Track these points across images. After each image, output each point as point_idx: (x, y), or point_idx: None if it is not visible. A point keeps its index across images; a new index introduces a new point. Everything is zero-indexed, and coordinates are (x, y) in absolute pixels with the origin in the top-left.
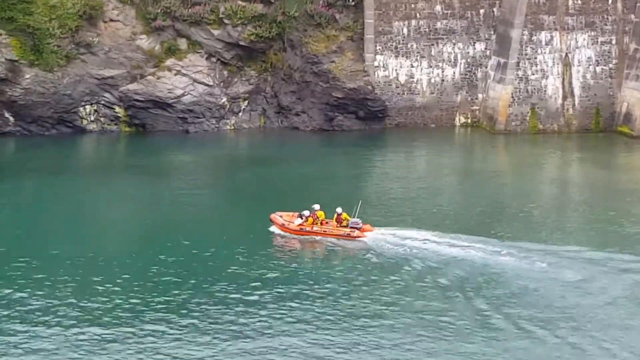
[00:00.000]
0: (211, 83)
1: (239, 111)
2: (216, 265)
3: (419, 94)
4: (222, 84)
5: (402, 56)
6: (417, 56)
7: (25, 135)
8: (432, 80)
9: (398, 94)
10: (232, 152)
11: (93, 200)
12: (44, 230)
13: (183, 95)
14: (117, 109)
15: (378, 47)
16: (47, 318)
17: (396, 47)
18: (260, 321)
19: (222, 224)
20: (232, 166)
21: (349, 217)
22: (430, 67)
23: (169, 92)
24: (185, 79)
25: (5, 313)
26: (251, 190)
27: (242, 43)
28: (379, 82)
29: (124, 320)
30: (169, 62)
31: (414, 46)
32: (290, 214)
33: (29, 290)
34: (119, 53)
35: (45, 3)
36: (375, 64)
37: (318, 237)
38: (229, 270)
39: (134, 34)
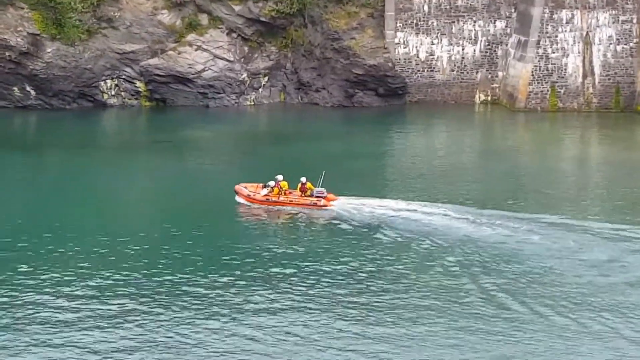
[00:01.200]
0: (232, 58)
1: (259, 87)
2: (230, 241)
3: (439, 71)
4: (242, 59)
5: (423, 33)
6: (437, 33)
7: (47, 109)
8: (453, 58)
9: (418, 71)
10: (252, 128)
11: (112, 174)
12: (62, 203)
13: (203, 70)
14: (138, 84)
15: (398, 24)
16: (61, 291)
17: (417, 24)
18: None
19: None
20: (252, 142)
21: (313, 187)
22: (451, 44)
23: (190, 67)
24: (206, 55)
25: (24, 288)
26: (270, 166)
27: (262, 19)
28: (399, 59)
29: (138, 294)
30: (190, 37)
31: (435, 23)
32: (255, 184)
33: (45, 265)
34: (140, 28)
35: None
36: (396, 41)
37: (284, 207)
38: (241, 246)
39: (156, 8)
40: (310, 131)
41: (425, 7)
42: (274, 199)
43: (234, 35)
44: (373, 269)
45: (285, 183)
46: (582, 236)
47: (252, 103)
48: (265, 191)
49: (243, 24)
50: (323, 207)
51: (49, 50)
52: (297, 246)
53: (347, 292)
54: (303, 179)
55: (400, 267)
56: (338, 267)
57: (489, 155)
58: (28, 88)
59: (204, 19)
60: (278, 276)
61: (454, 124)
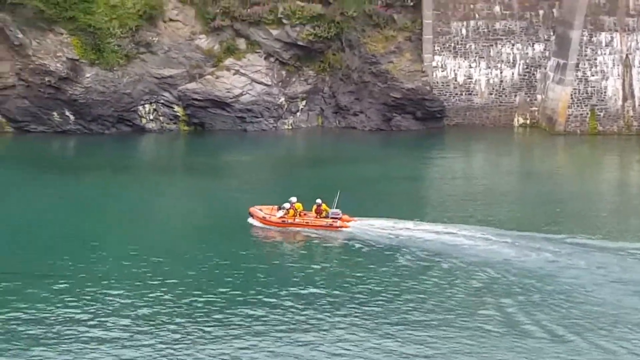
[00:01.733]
0: (269, 83)
1: (297, 111)
2: (264, 262)
3: (477, 94)
4: (280, 83)
5: (461, 57)
6: (475, 57)
7: (86, 134)
8: (491, 81)
9: (456, 94)
10: (290, 152)
11: (149, 196)
12: (101, 226)
13: (241, 94)
14: (176, 108)
15: (436, 48)
16: (99, 308)
17: (454, 48)
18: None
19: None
20: (290, 166)
21: (328, 208)
22: (489, 67)
23: (228, 92)
24: (244, 79)
25: (62, 305)
26: (308, 190)
27: (300, 43)
28: (437, 82)
29: (174, 316)
30: (228, 61)
31: (473, 47)
32: (270, 207)
33: (85, 285)
34: (178, 52)
35: (106, 3)
36: (434, 64)
37: (299, 229)
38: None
39: (193, 33)
40: (347, 155)
41: (463, 31)
42: (289, 220)
43: (272, 59)
44: (396, 289)
45: (299, 205)
46: (623, 260)
47: (290, 127)
48: (281, 213)
49: (281, 48)
50: (339, 229)
51: (88, 75)
52: (327, 266)
53: (381, 312)
54: (318, 201)
55: (435, 288)
56: (373, 288)
57: (528, 179)
58: (67, 113)
59: (241, 43)
60: (309, 297)
61: (493, 147)
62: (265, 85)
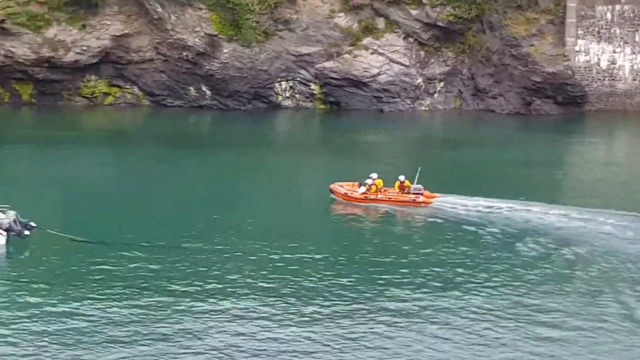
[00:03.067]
0: (407, 63)
1: (435, 92)
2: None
3: (620, 80)
4: (418, 64)
5: (605, 41)
6: (620, 42)
7: (222, 109)
8: (635, 67)
9: (599, 79)
10: (427, 133)
11: (283, 175)
12: (232, 201)
13: (379, 74)
14: (313, 86)
15: (579, 32)
16: (230, 285)
17: (598, 32)
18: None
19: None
20: (426, 147)
21: (410, 184)
22: (634, 53)
23: (365, 71)
24: (382, 59)
25: (189, 286)
26: (443, 172)
27: (440, 23)
28: (579, 67)
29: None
30: (366, 41)
31: (617, 31)
32: (351, 183)
33: (210, 258)
34: (316, 30)
35: None
36: (576, 48)
37: (382, 205)
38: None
39: (332, 11)
40: (484, 138)
41: (608, 15)
42: (372, 196)
43: (411, 39)
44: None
45: (380, 181)
46: None
47: (427, 108)
48: (362, 189)
49: (420, 28)
50: (422, 204)
51: (225, 51)
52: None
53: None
54: (402, 177)
55: (559, 274)
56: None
57: None
58: (204, 88)
59: (380, 22)
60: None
61: (636, 134)
62: (403, 65)
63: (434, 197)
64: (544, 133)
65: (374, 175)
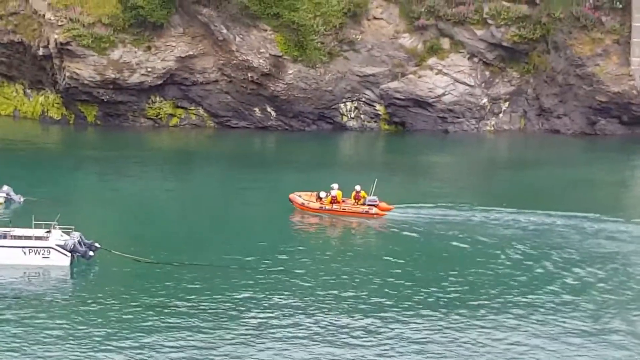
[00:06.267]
0: (472, 83)
1: (499, 112)
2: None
3: None
4: (483, 84)
5: None
6: None
7: (286, 130)
8: None
9: None
10: (491, 154)
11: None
12: (295, 221)
13: (443, 94)
14: (377, 107)
15: None
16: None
17: None
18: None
19: (479, 226)
20: (490, 168)
21: (366, 195)
22: None
23: (430, 91)
24: (446, 79)
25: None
26: (507, 193)
27: (505, 44)
28: None
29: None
30: (431, 61)
31: None
32: (310, 193)
33: (281, 276)
34: (381, 51)
35: (311, 0)
36: None
37: (336, 215)
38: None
39: (397, 32)
40: (548, 158)
41: None
42: (327, 206)
43: (475, 59)
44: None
45: (340, 192)
46: None
47: (492, 129)
48: (324, 196)
49: (485, 48)
50: (375, 216)
51: (290, 71)
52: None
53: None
54: (357, 187)
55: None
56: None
57: None
58: (269, 109)
59: (445, 42)
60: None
61: None
62: (468, 85)
63: (389, 209)
64: (608, 153)
65: (335, 186)
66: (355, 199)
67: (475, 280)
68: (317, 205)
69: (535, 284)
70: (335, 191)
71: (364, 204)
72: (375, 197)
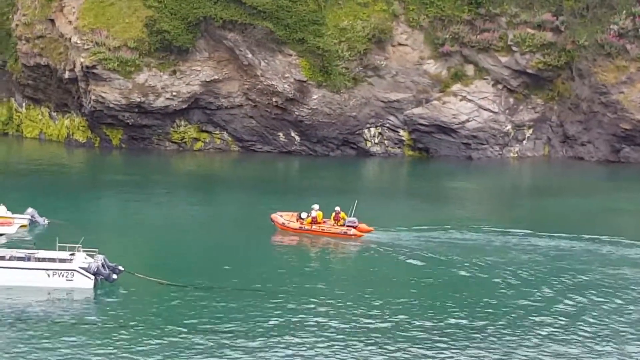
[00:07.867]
0: (496, 110)
1: (523, 139)
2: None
3: None
4: (507, 111)
5: None
6: None
7: (310, 155)
8: None
9: None
10: (515, 181)
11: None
12: (318, 247)
13: (467, 121)
14: (402, 132)
15: None
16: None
17: None
18: None
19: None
20: (514, 195)
21: (346, 217)
22: None
23: (454, 118)
24: (471, 105)
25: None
26: (529, 221)
27: (529, 71)
28: None
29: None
30: (455, 87)
31: None
32: (290, 213)
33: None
34: (405, 77)
35: (336, 25)
36: None
37: (316, 235)
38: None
39: (422, 58)
40: (571, 185)
41: None
42: (306, 227)
43: (500, 86)
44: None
45: (320, 213)
46: None
47: (516, 155)
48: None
49: (509, 75)
50: (353, 237)
51: (314, 97)
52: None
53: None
54: (337, 208)
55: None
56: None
57: None
58: (293, 134)
59: (469, 69)
60: None
61: None
62: (492, 112)
63: (368, 230)
64: (633, 181)
65: (316, 206)
66: (335, 219)
67: (496, 305)
68: (297, 225)
69: (550, 309)
70: (316, 212)
71: (343, 225)
72: (354, 219)
